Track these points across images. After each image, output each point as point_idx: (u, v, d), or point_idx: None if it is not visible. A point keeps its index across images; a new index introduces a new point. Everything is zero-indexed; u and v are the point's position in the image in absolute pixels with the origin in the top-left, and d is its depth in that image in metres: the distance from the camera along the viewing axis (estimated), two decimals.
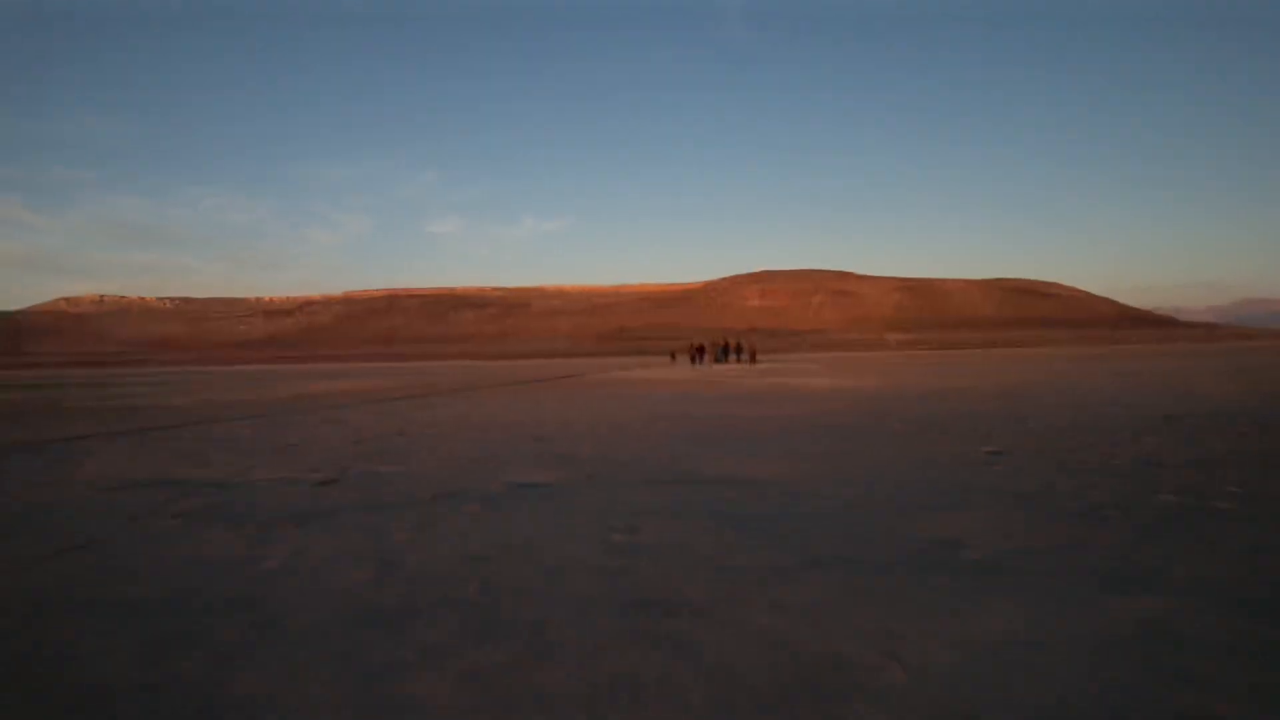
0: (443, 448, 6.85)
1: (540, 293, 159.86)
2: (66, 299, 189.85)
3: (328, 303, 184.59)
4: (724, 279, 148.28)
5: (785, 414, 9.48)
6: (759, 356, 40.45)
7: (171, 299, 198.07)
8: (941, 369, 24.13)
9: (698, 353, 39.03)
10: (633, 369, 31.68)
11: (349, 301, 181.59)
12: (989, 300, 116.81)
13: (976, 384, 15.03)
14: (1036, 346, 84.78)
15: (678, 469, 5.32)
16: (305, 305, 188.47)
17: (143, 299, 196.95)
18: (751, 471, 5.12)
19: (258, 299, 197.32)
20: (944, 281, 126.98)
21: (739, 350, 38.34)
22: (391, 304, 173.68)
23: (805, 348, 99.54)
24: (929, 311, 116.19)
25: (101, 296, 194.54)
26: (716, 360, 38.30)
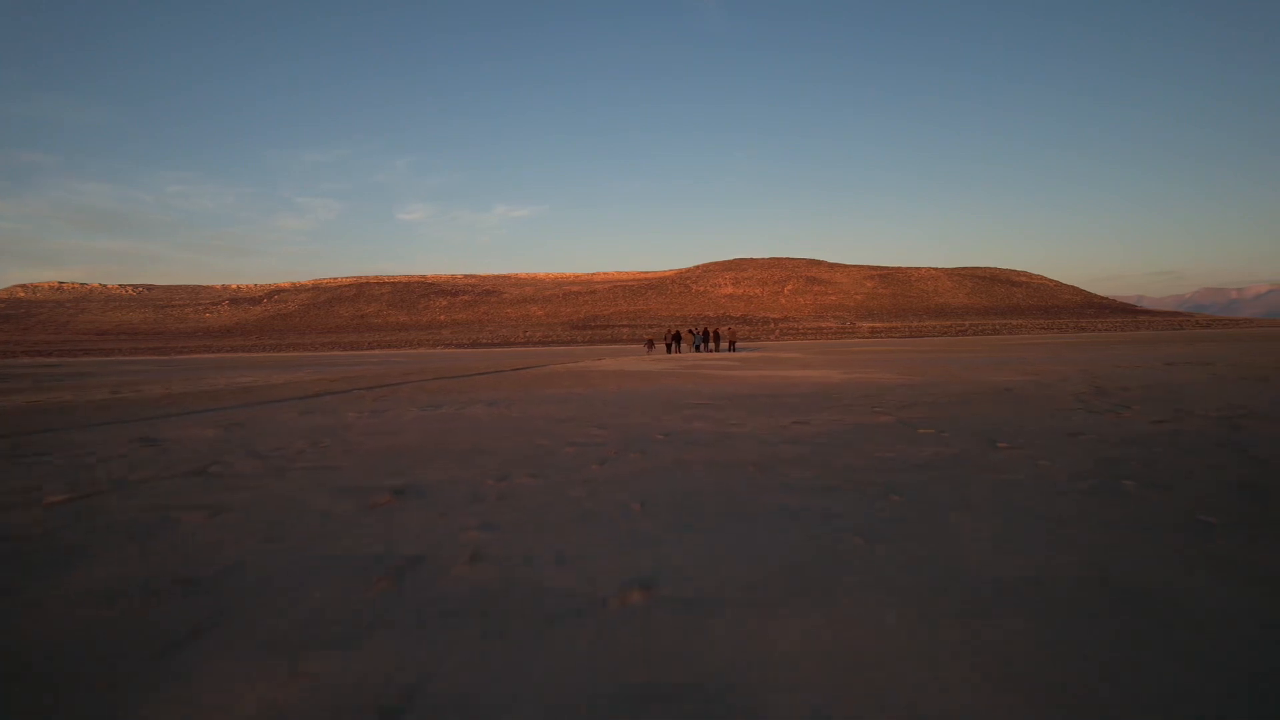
0: (193, 523, 3.33)
1: (513, 280, 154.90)
2: (24, 286, 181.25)
3: (296, 290, 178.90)
4: (697, 267, 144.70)
5: (821, 432, 6.07)
6: (738, 344, 37.21)
7: (135, 286, 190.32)
8: (960, 357, 21.00)
9: (674, 340, 35.63)
10: (603, 358, 28.16)
11: (318, 289, 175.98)
12: (960, 288, 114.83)
13: (1039, 377, 11.78)
14: (1014, 334, 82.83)
15: (654, 658, 1.87)
16: (274, 293, 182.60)
17: (104, 286, 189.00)
18: (863, 672, 1.69)
19: (224, 286, 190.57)
20: (915, 270, 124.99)
21: (717, 338, 34.90)
22: (361, 291, 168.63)
23: (778, 335, 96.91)
24: (901, 299, 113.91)
25: (60, 284, 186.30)
26: (694, 348, 34.91)
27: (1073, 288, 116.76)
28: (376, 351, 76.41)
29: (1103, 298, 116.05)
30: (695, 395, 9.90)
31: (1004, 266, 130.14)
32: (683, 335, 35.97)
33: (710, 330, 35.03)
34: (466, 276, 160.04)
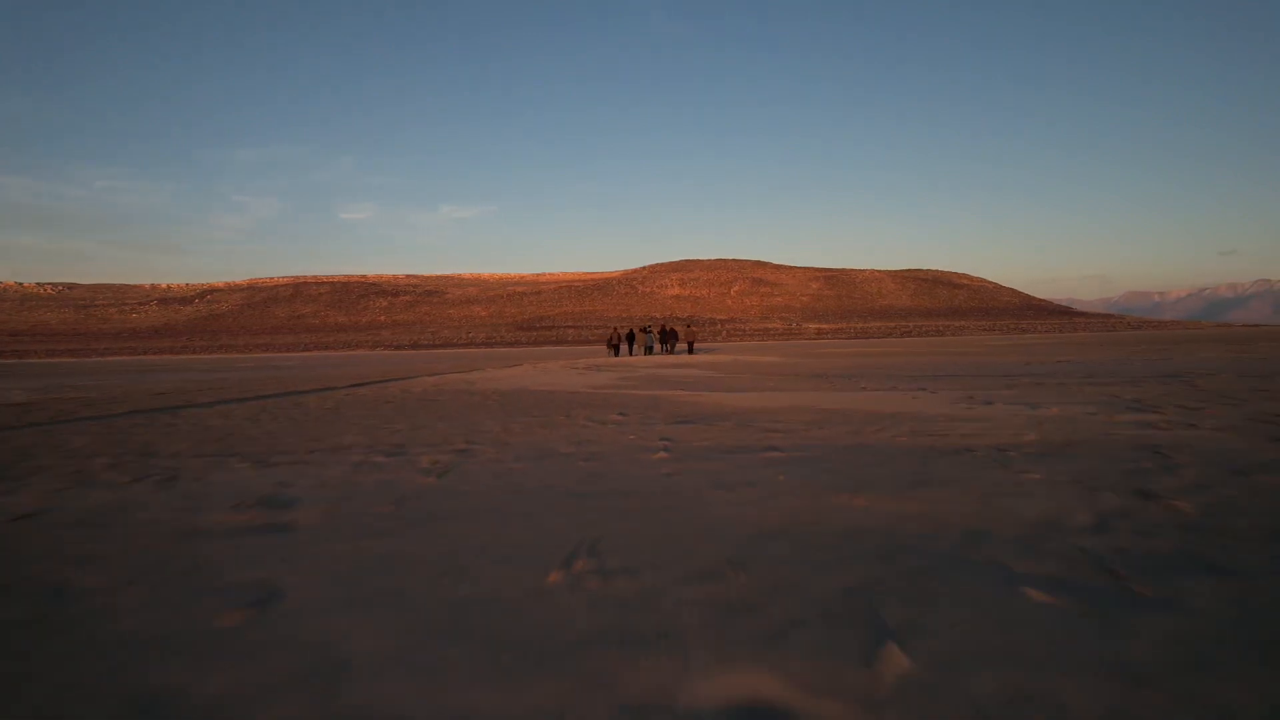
0: None
1: (456, 280, 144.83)
2: None
3: (230, 290, 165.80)
4: (644, 268, 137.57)
5: None
6: (696, 345, 30.01)
7: (55, 285, 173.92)
8: (975, 361, 14.20)
9: (625, 340, 28.18)
10: (522, 363, 20.46)
11: (253, 289, 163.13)
12: (904, 290, 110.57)
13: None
14: (959, 334, 78.42)
15: None
16: (206, 293, 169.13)
17: (20, 285, 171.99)
18: None
19: (154, 286, 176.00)
20: (860, 271, 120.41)
21: (674, 337, 27.45)
22: (298, 291, 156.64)
23: (725, 336, 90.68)
24: (846, 301, 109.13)
25: None
26: (647, 350, 27.46)
27: (1011, 290, 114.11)
28: (296, 354, 67.27)
29: (1041, 299, 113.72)
30: (709, 487, 2.45)
31: (945, 269, 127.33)
32: (636, 335, 28.37)
33: (667, 328, 27.55)
34: (408, 276, 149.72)
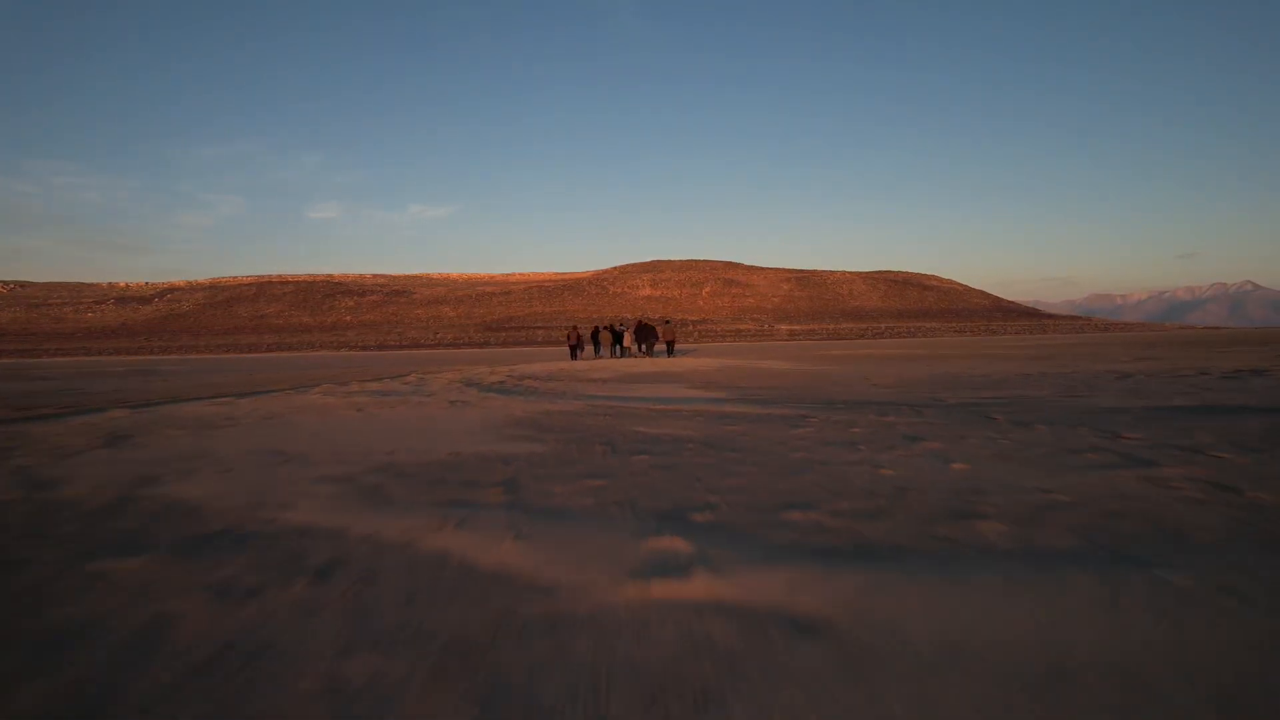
0: None
1: (424, 280, 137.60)
2: None
3: (192, 289, 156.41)
4: (614, 268, 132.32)
5: None
6: (677, 345, 24.62)
7: (5, 284, 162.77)
8: (1102, 371, 9.08)
9: (590, 340, 22.71)
10: (409, 372, 14.73)
11: (215, 288, 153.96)
12: (874, 291, 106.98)
13: None
14: (931, 335, 74.62)
15: None
16: (166, 292, 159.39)
17: None
18: None
19: (111, 284, 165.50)
20: (831, 273, 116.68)
21: (651, 336, 21.84)
22: (262, 291, 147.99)
23: (697, 337, 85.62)
24: (818, 302, 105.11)
25: None
26: (614, 350, 22.00)
27: (980, 291, 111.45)
28: (249, 355, 60.84)
29: (1010, 301, 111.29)
30: None
31: (916, 270, 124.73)
32: (601, 334, 22.75)
33: (643, 324, 21.85)
34: (375, 276, 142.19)
